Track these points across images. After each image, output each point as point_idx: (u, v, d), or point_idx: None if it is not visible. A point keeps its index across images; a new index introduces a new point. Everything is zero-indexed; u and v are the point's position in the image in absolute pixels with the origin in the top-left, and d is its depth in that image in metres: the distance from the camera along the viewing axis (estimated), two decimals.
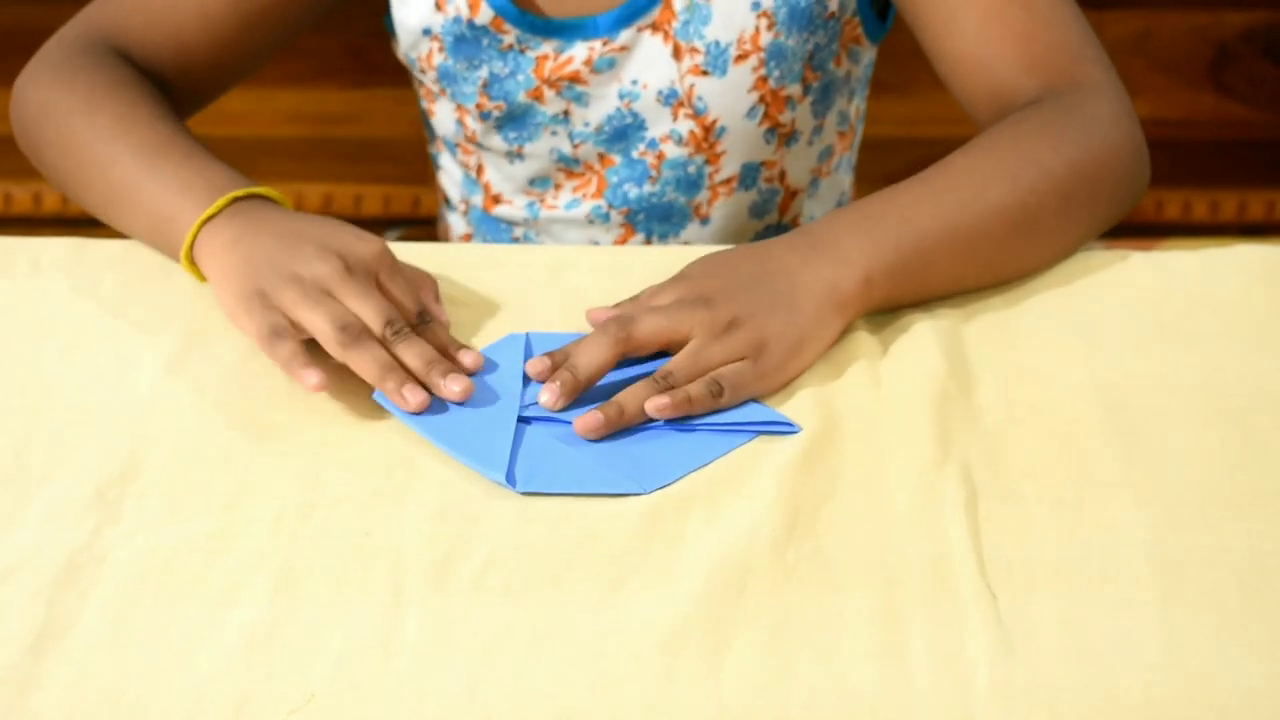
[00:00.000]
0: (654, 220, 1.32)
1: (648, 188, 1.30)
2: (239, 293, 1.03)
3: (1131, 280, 1.12)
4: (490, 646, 0.85)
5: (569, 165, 1.30)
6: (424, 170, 2.26)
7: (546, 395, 0.98)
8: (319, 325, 1.00)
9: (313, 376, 0.98)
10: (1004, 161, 1.08)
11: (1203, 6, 2.27)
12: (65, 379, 1.03)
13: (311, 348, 1.01)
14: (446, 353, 1.02)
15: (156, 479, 0.95)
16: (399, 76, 2.26)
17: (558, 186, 1.32)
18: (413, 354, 1.00)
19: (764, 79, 1.25)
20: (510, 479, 0.95)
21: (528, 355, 1.04)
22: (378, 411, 1.00)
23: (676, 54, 1.24)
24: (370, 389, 1.00)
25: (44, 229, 1.16)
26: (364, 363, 0.99)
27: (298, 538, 0.91)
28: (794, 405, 1.00)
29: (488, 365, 1.03)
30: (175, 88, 1.23)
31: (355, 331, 0.99)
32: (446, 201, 1.43)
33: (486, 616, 0.87)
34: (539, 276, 1.12)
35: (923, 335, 1.06)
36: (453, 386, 0.99)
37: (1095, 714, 0.81)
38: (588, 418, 0.97)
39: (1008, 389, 1.02)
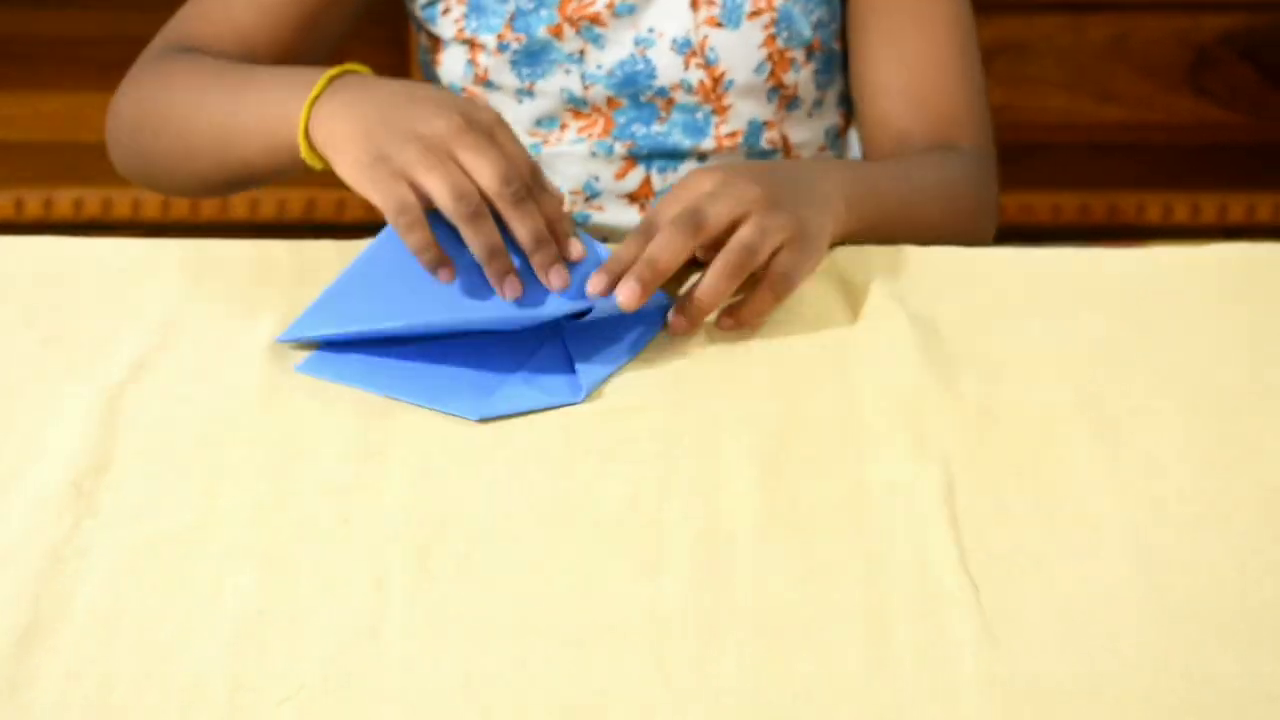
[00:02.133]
0: (655, 156, 1.34)
1: (655, 127, 1.33)
2: (359, 160, 1.06)
3: (1110, 277, 1.13)
4: (476, 633, 0.85)
5: (577, 106, 1.32)
6: None
7: (625, 293, 1.01)
8: (438, 190, 1.03)
9: (445, 275, 1.04)
10: (935, 174, 1.25)
11: (1181, 10, 2.27)
12: (41, 374, 1.03)
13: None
14: (557, 229, 1.06)
15: (132, 470, 0.95)
16: None
17: (564, 127, 1.33)
18: (525, 226, 1.04)
19: (773, 38, 1.29)
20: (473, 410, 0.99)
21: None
22: (353, 397, 1.00)
23: (694, 4, 1.29)
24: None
25: (26, 236, 1.17)
26: (476, 239, 1.03)
27: (278, 527, 0.91)
28: (775, 396, 1.01)
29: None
30: None
31: (473, 203, 1.03)
32: None
33: (471, 603, 0.87)
34: None
35: (899, 329, 1.06)
36: (553, 280, 1.04)
37: (1079, 704, 0.82)
38: (626, 288, 1.01)
39: (986, 384, 1.03)
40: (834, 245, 1.12)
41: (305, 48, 1.28)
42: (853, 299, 1.10)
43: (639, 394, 1.02)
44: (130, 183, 2.22)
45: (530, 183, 1.06)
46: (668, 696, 0.82)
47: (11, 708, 0.81)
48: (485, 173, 1.04)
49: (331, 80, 1.11)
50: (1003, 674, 0.83)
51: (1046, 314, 1.09)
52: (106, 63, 2.21)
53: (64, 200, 2.26)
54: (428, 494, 0.94)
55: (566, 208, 1.36)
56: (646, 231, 1.06)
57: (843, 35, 1.34)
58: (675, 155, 1.34)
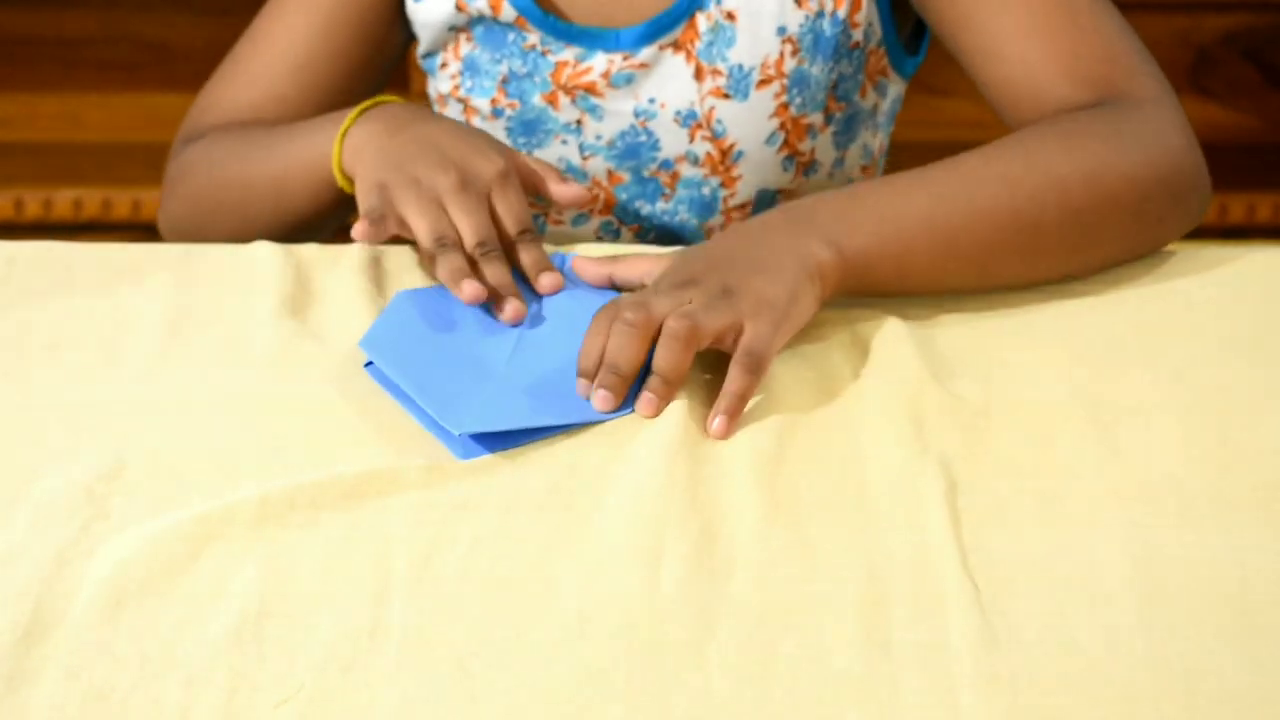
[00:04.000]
0: (664, 241, 1.30)
1: (660, 205, 1.29)
2: (364, 180, 1.13)
3: (1105, 278, 1.13)
4: (477, 633, 0.85)
5: (576, 178, 1.29)
6: None
7: (599, 402, 0.99)
8: (420, 228, 1.09)
9: (359, 230, 1.09)
10: (1009, 166, 1.07)
11: (1182, 10, 2.27)
12: (48, 377, 1.03)
13: None
14: (536, 269, 1.10)
15: (143, 474, 0.95)
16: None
17: None
18: (491, 275, 1.08)
19: (785, 105, 1.24)
20: (456, 425, 0.97)
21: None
22: (360, 401, 1.00)
23: (698, 75, 1.23)
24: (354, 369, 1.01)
25: (26, 236, 1.17)
26: (442, 268, 1.07)
27: (283, 528, 0.91)
28: (769, 396, 1.01)
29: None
30: None
31: (447, 243, 1.08)
32: None
33: (473, 603, 0.87)
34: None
35: (897, 331, 1.06)
36: (506, 311, 1.06)
37: (1079, 706, 0.82)
38: (647, 402, 0.99)
39: (984, 385, 1.03)
40: (846, 295, 1.06)
41: (338, 101, 1.29)
42: (851, 301, 1.10)
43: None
44: (130, 182, 2.22)
45: (517, 239, 1.11)
46: (666, 693, 0.82)
47: (11, 705, 0.81)
48: (466, 231, 1.09)
49: (363, 112, 1.17)
50: (1003, 674, 0.83)
51: (1046, 314, 1.09)
52: (106, 63, 2.22)
53: (64, 200, 2.26)
54: (431, 495, 0.94)
55: None
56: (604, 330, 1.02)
57: (869, 81, 1.28)
58: (683, 238, 1.30)
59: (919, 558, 0.90)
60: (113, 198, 2.25)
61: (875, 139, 1.33)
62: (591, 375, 1.00)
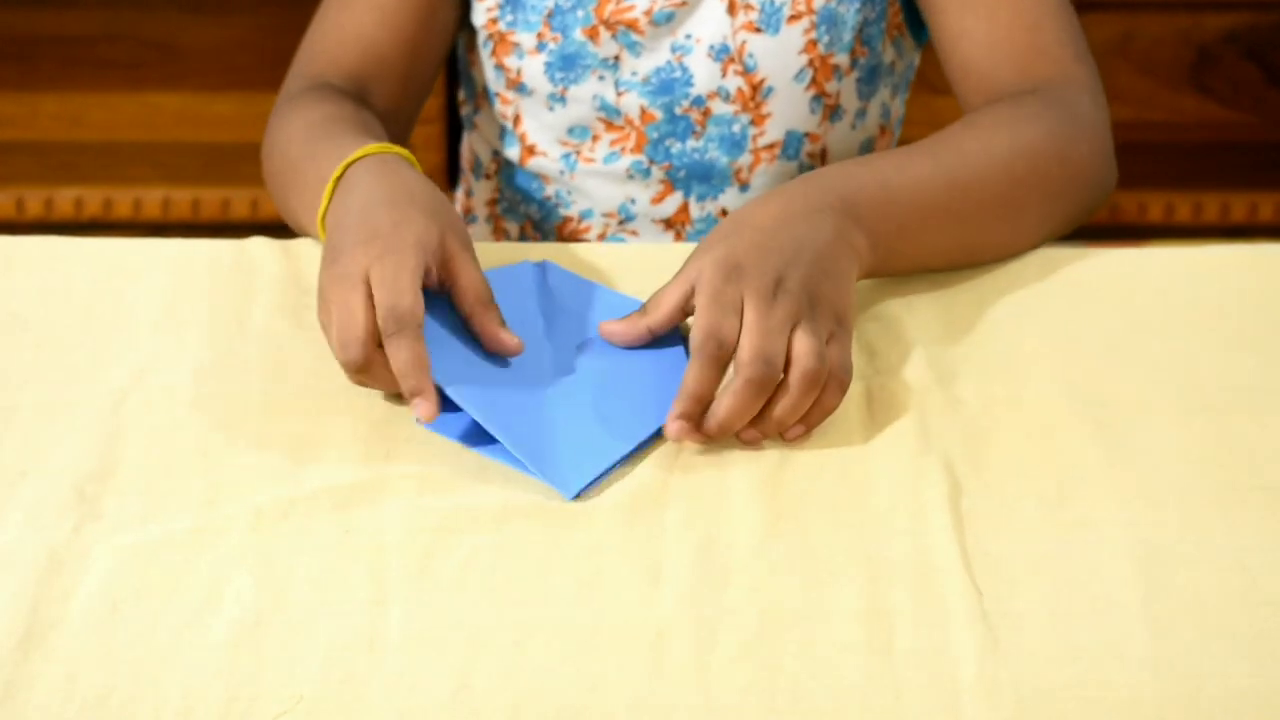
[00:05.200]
0: (694, 179, 1.32)
1: (691, 143, 1.31)
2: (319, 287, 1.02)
3: (1107, 278, 1.13)
4: (475, 642, 0.85)
5: (610, 116, 1.31)
6: None
7: (675, 431, 0.96)
8: (332, 333, 0.99)
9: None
10: (1006, 156, 1.12)
11: (1184, 9, 2.27)
12: (39, 376, 1.03)
13: None
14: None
15: (135, 476, 0.95)
16: None
17: (595, 138, 1.32)
18: (396, 357, 0.96)
19: (814, 42, 1.27)
20: (564, 487, 0.94)
21: (541, 287, 1.08)
22: (352, 407, 1.00)
23: (731, 9, 1.27)
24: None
25: (27, 235, 1.16)
26: (348, 371, 0.98)
27: (278, 535, 0.91)
28: None
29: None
30: (378, 100, 1.26)
31: (356, 346, 0.97)
32: (475, 169, 1.43)
33: (471, 612, 0.87)
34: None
35: (899, 332, 1.06)
36: (416, 411, 0.96)
37: (1081, 709, 0.82)
38: (681, 427, 0.95)
39: (986, 386, 1.03)
40: (867, 276, 1.07)
41: (426, 40, 1.28)
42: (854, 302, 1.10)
43: None
44: (131, 182, 2.22)
45: (383, 333, 0.97)
46: (667, 703, 0.82)
47: (9, 710, 0.81)
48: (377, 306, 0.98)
49: (336, 182, 1.07)
50: (1005, 678, 0.83)
51: (1047, 314, 1.09)
52: (106, 63, 2.22)
53: (65, 200, 2.26)
54: (428, 503, 0.93)
55: (599, 230, 1.35)
56: (716, 359, 0.97)
57: (889, 35, 1.31)
58: (712, 176, 1.32)
59: (921, 562, 0.90)
60: (114, 197, 2.25)
61: (894, 101, 1.37)
62: (695, 417, 0.96)
